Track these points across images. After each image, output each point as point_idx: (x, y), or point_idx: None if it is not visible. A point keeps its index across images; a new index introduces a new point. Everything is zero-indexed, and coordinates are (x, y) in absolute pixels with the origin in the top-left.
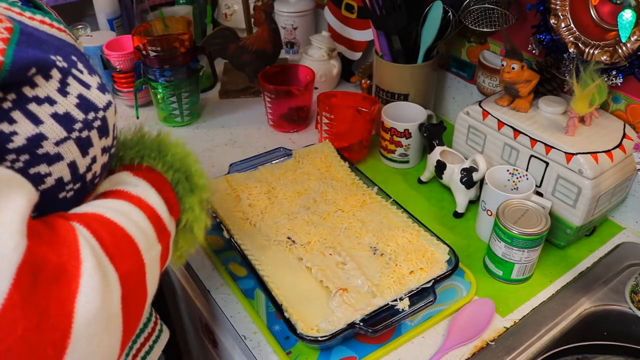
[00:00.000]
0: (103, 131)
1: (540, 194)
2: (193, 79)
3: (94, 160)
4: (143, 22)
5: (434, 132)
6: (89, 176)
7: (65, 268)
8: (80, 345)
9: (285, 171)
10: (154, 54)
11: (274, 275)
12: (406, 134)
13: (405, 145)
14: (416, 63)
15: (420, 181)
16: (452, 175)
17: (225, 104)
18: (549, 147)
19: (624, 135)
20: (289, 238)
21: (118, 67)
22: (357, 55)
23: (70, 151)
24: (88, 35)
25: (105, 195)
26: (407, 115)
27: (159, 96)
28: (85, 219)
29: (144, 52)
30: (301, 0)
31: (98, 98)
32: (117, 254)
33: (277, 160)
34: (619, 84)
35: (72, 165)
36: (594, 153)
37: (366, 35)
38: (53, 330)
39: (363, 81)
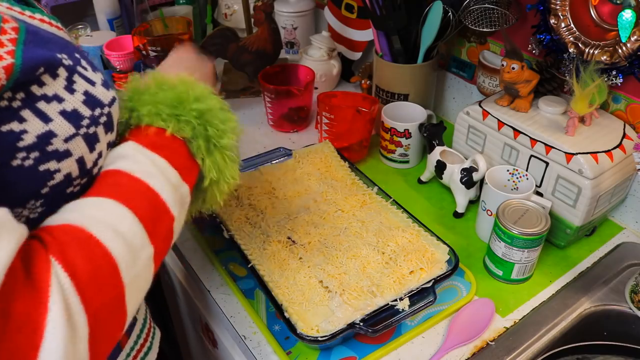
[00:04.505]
0: (108, 126)
1: (540, 194)
2: None
3: (100, 155)
4: (143, 22)
5: (434, 132)
6: (95, 171)
7: (29, 318)
8: None
9: (286, 171)
10: (154, 54)
11: (273, 275)
12: (406, 134)
13: (405, 145)
14: (416, 63)
15: (420, 181)
16: (452, 175)
17: None
18: (549, 147)
19: (624, 135)
20: (289, 238)
21: (118, 67)
22: (357, 55)
23: (79, 147)
24: (88, 35)
25: (105, 177)
26: (407, 115)
27: None
28: (65, 241)
29: (144, 52)
30: (301, 0)
31: (103, 94)
32: (90, 288)
33: (277, 160)
34: (619, 84)
35: (80, 161)
36: (594, 153)
37: (366, 35)
38: None
39: (363, 81)
